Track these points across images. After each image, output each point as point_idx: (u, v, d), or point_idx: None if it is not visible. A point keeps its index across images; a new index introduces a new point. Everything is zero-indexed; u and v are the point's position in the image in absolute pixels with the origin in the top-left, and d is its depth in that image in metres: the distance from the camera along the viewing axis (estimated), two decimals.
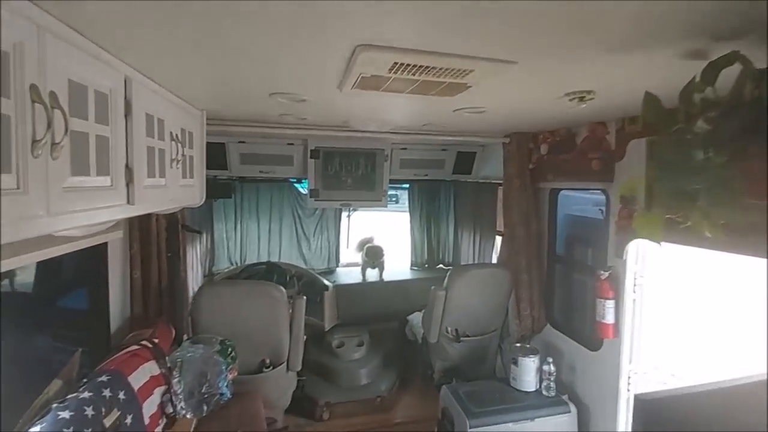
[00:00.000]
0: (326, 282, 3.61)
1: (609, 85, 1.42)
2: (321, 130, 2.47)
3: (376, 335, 3.60)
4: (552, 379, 2.31)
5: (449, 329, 2.76)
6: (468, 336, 2.78)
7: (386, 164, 3.49)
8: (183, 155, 1.65)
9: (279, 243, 4.01)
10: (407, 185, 4.37)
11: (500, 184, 3.26)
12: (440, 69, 1.15)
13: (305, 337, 2.82)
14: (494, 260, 3.45)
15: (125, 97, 1.14)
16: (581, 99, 1.52)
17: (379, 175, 3.53)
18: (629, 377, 2.13)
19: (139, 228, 2.13)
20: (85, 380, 1.41)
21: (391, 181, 3.76)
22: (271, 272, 3.39)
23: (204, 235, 3.50)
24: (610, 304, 2.09)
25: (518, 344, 2.52)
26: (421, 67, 1.14)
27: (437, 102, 1.65)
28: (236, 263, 3.90)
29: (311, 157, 3.31)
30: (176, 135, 1.55)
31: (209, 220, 3.67)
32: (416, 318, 3.46)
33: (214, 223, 3.75)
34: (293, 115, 2.09)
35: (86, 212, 0.96)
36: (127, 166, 1.15)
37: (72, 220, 0.90)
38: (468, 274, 2.68)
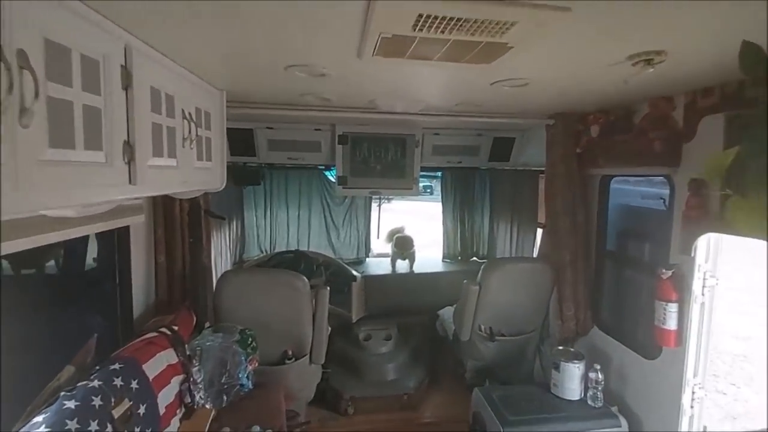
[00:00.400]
0: (354, 272, 3.51)
1: (685, 43, 1.16)
2: (347, 112, 2.32)
3: (404, 329, 3.46)
4: (600, 388, 2.07)
5: (483, 327, 2.56)
6: (503, 335, 2.58)
7: (417, 150, 3.31)
8: (198, 136, 1.56)
9: (308, 231, 3.95)
10: (439, 173, 4.15)
11: (542, 172, 3.00)
12: (475, 22, 0.96)
13: (330, 328, 2.73)
14: (534, 255, 3.19)
15: (125, 67, 1.05)
16: (648, 62, 1.26)
17: (409, 161, 3.35)
18: (693, 392, 1.84)
19: (164, 213, 2.10)
20: (97, 367, 1.38)
21: (423, 169, 3.57)
22: (298, 261, 3.33)
23: (234, 222, 3.49)
24: (672, 307, 1.80)
25: (560, 347, 2.29)
26: (451, 20, 0.95)
27: (472, 72, 1.45)
28: (266, 251, 3.89)
29: (339, 143, 3.18)
30: (189, 114, 1.46)
31: (239, 207, 3.66)
32: (447, 313, 3.28)
33: (244, 211, 3.74)
34: (314, 94, 1.96)
35: (73, 190, 0.87)
36: (127, 142, 1.06)
37: (53, 197, 0.81)
38: (505, 269, 2.46)
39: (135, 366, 1.47)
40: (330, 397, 2.78)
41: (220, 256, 3.00)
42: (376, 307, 3.50)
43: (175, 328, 1.79)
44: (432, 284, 3.67)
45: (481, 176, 4.07)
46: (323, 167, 3.68)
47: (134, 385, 1.42)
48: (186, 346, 1.80)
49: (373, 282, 3.59)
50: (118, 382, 1.35)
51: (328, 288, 2.30)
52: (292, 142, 3.19)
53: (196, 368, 1.80)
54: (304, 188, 3.87)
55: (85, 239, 1.80)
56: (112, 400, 1.29)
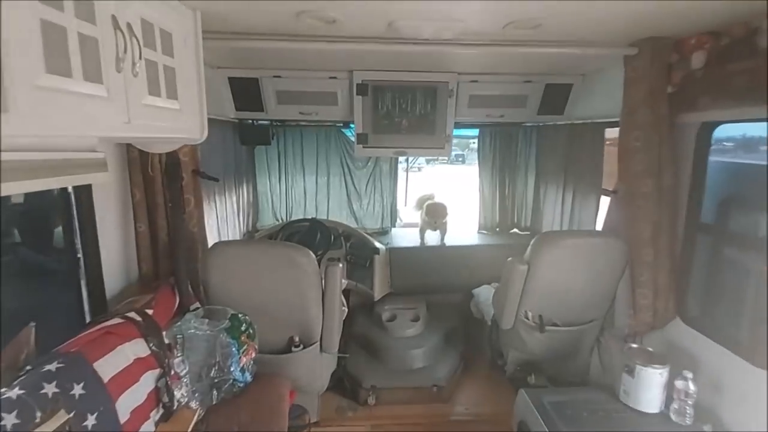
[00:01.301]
0: (377, 244, 3.10)
1: None
2: (361, 43, 1.82)
3: (434, 310, 3.06)
4: (690, 402, 1.58)
5: (530, 315, 2.10)
6: (556, 325, 2.10)
7: (451, 102, 2.76)
8: (151, 62, 1.15)
9: (327, 198, 3.55)
10: (476, 132, 3.57)
11: (610, 125, 2.40)
12: None
13: (346, 309, 2.36)
14: (597, 228, 2.63)
15: None
16: None
17: (441, 116, 2.82)
18: None
19: (142, 171, 1.74)
20: (29, 368, 1.06)
21: (458, 125, 3.03)
22: (314, 231, 2.96)
23: (244, 187, 3.15)
24: None
25: (634, 345, 1.79)
26: None
27: None
28: (281, 219, 3.55)
29: (358, 94, 2.70)
30: (129, 25, 1.04)
31: (250, 170, 3.29)
32: (484, 293, 2.84)
33: (256, 174, 3.38)
34: (314, 13, 1.47)
35: None
36: None
37: None
38: (562, 244, 1.95)
39: (81, 365, 1.14)
40: (349, 384, 2.46)
41: (226, 223, 2.67)
42: (403, 283, 3.10)
43: (149, 311, 1.47)
44: (466, 259, 3.20)
45: (525, 133, 3.47)
46: (341, 124, 3.21)
47: (78, 390, 1.09)
48: (164, 333, 1.48)
49: (400, 255, 3.18)
50: (49, 389, 1.02)
51: (340, 264, 1.90)
52: (304, 93, 2.73)
53: (179, 359, 1.48)
54: (321, 149, 3.44)
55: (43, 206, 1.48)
56: (37, 415, 0.97)
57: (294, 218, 3.53)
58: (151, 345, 1.39)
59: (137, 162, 1.72)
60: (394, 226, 3.83)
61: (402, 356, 2.56)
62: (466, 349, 2.82)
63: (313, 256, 1.78)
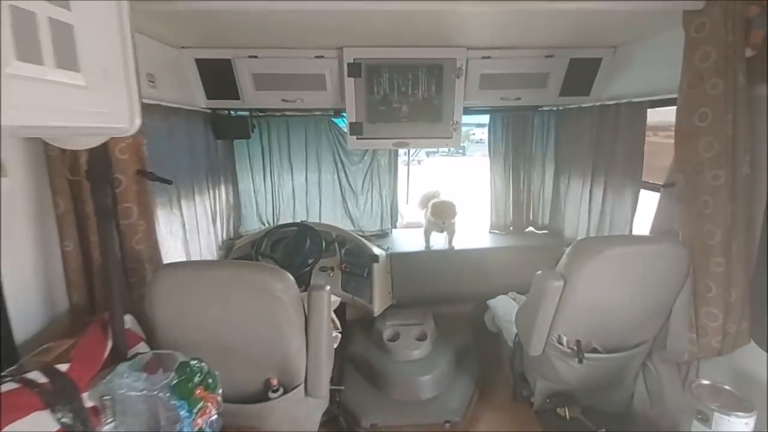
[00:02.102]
0: (376, 250, 2.71)
1: None
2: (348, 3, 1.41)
3: (443, 324, 2.67)
4: None
5: (565, 339, 1.71)
6: (597, 352, 1.71)
7: (459, 83, 2.35)
8: (15, 7, 0.74)
9: (319, 198, 3.15)
10: (481, 120, 3.16)
11: (655, 104, 1.99)
12: None
13: (339, 334, 1.98)
14: (632, 227, 2.23)
15: None
16: None
17: (448, 99, 2.41)
18: None
19: (69, 176, 1.34)
20: None
21: (467, 111, 2.62)
22: (302, 237, 2.56)
23: (223, 187, 2.75)
24: None
25: (705, 382, 1.40)
26: None
27: None
28: (268, 223, 3.15)
29: (349, 75, 2.29)
30: None
31: (230, 168, 2.89)
32: (502, 305, 2.45)
33: (237, 172, 2.98)
34: None
35: None
36: None
37: None
38: (609, 255, 1.54)
39: None
40: (345, 423, 2.08)
41: (197, 233, 2.28)
42: (406, 294, 2.72)
43: (63, 366, 1.08)
44: (478, 264, 2.81)
45: (542, 119, 3.06)
46: (332, 113, 2.80)
47: None
48: (86, 394, 1.09)
49: (402, 262, 2.79)
50: None
51: (327, 287, 1.49)
52: (286, 77, 2.32)
53: (108, 427, 1.10)
54: (311, 142, 3.03)
55: None
56: None
57: (282, 221, 3.14)
58: (61, 417, 1.00)
59: (59, 163, 1.32)
60: (395, 227, 3.44)
61: (407, 385, 2.17)
62: (481, 371, 2.44)
63: (291, 279, 1.38)
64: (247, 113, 2.66)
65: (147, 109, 1.86)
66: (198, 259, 2.29)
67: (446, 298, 2.81)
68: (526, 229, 3.28)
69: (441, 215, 2.77)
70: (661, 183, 1.82)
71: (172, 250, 1.98)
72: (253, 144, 2.98)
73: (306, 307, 1.46)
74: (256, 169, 3.04)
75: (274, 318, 1.34)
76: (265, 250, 2.64)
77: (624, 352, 1.73)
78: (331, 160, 3.08)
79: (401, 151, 3.27)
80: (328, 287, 1.49)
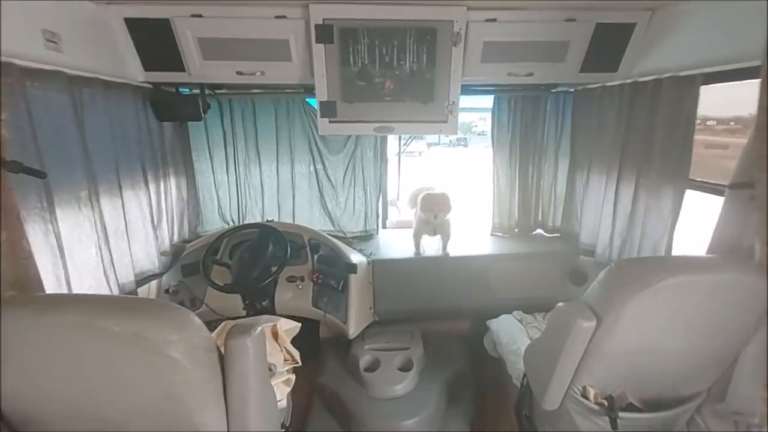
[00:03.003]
0: (355, 257, 2.26)
1: None
2: None
3: (433, 347, 2.24)
4: None
5: (592, 393, 1.26)
6: (635, 408, 1.27)
7: (456, 53, 1.89)
8: None
9: (292, 193, 2.69)
10: (488, 102, 2.68)
11: (712, 78, 1.53)
12: None
13: (291, 377, 1.55)
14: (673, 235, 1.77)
15: None
16: None
17: (442, 74, 1.95)
18: None
19: None
20: None
21: (466, 89, 2.14)
22: (263, 241, 2.12)
23: (174, 180, 2.29)
24: None
25: None
26: None
27: None
28: (233, 222, 2.71)
29: (318, 41, 1.82)
30: None
31: (183, 157, 2.42)
32: (505, 327, 2.01)
33: (193, 162, 2.52)
34: None
35: None
36: None
37: None
38: (663, 286, 1.08)
39: None
40: None
41: (125, 238, 1.83)
42: (390, 309, 2.29)
43: None
44: (477, 274, 2.37)
45: (555, 102, 2.58)
46: (303, 90, 2.32)
47: None
48: None
49: (387, 270, 2.36)
50: None
51: (259, 329, 1.04)
52: (240, 43, 1.85)
53: None
54: (282, 127, 2.56)
55: None
56: None
57: (250, 221, 2.70)
58: None
59: None
60: (385, 227, 3.00)
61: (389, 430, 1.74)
62: (479, 413, 2.00)
63: (194, 322, 0.93)
64: (197, 90, 2.19)
65: (39, 77, 1.41)
66: (130, 270, 1.85)
67: (438, 314, 2.37)
68: (534, 232, 2.82)
69: (432, 208, 2.31)
70: (724, 183, 1.36)
71: (80, 263, 1.53)
72: (213, 128, 2.52)
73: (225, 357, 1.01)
74: (217, 158, 2.58)
75: (167, 384, 0.89)
76: (222, 257, 2.20)
77: (671, 409, 1.28)
78: (306, 149, 2.61)
79: (391, 138, 2.80)
80: (258, 329, 1.04)
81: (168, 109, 2.10)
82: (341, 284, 2.15)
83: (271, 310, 2.17)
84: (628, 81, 1.96)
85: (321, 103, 1.95)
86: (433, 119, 2.02)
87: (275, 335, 1.54)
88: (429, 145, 17.56)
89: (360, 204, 2.73)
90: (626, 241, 2.03)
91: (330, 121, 1.99)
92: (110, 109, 1.74)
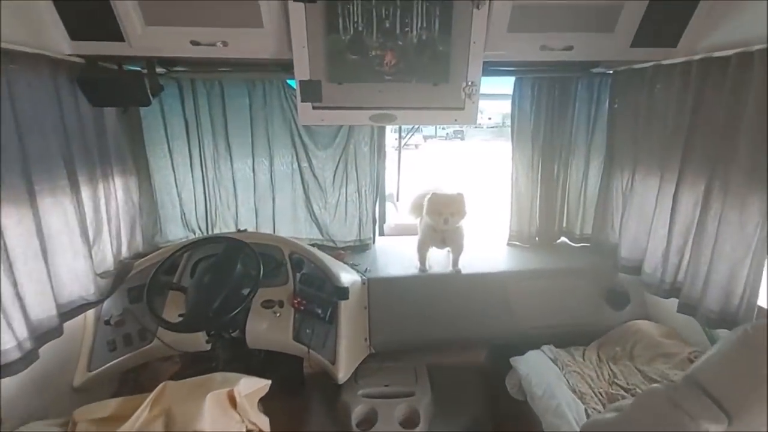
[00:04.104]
0: (345, 278, 1.82)
1: None
2: None
3: (443, 389, 1.83)
4: None
5: None
6: None
7: (478, 18, 1.45)
8: None
9: (271, 197, 2.25)
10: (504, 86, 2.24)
11: None
12: None
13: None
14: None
15: None
16: None
17: (459, 45, 1.51)
18: None
19: None
20: None
21: (489, 66, 1.69)
22: (230, 258, 1.67)
23: (115, 181, 1.83)
24: None
25: None
26: None
27: None
28: (199, 231, 2.26)
29: None
30: None
31: (133, 151, 1.96)
32: (534, 367, 1.60)
33: (148, 159, 2.05)
34: None
35: None
36: None
37: None
38: None
39: None
40: None
41: (41, 258, 1.37)
42: (390, 340, 1.87)
43: None
44: (494, 295, 1.96)
45: (590, 87, 2.15)
46: (279, 67, 1.85)
47: None
48: None
49: (386, 291, 1.94)
50: None
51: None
52: (195, 5, 1.40)
53: None
54: (258, 116, 2.11)
55: None
56: None
57: (222, 228, 2.26)
58: None
59: None
60: (383, 234, 2.57)
61: None
62: None
63: None
64: (144, 66, 1.72)
65: None
66: (50, 301, 1.41)
67: (448, 344, 1.97)
68: (558, 240, 2.40)
69: (442, 210, 1.87)
70: None
71: None
72: (173, 117, 2.06)
73: None
74: (179, 154, 2.12)
75: None
76: (181, 278, 1.77)
77: None
78: (288, 142, 2.16)
79: (389, 129, 2.36)
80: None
81: (104, 90, 1.63)
82: (329, 313, 1.71)
83: (241, 344, 1.74)
84: (697, 57, 1.53)
85: (301, 83, 1.50)
86: (447, 105, 1.58)
87: (233, 402, 1.11)
88: (426, 137, 17.03)
89: (353, 208, 2.29)
90: (688, 261, 1.62)
91: (314, 107, 1.54)
92: (18, 91, 1.28)
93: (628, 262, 1.94)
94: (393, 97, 1.55)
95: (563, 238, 2.42)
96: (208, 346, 1.75)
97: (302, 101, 1.52)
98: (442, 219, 1.87)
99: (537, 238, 2.37)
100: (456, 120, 1.60)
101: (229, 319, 1.56)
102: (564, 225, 2.40)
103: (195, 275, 1.67)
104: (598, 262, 2.10)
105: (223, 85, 2.03)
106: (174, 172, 2.13)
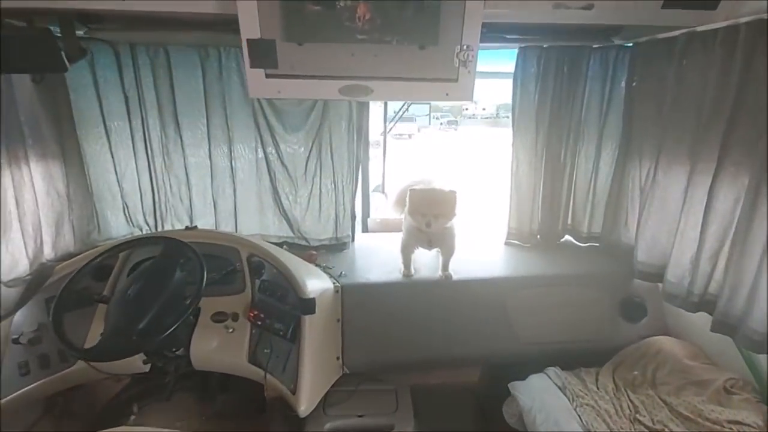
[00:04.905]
0: (312, 286, 1.50)
1: None
2: None
3: (428, 415, 1.55)
4: None
5: None
6: None
7: None
8: None
9: (232, 188, 1.92)
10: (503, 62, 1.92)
11: None
12: None
13: None
14: None
15: None
16: None
17: (451, 4, 1.18)
18: None
19: None
20: None
21: (488, 32, 1.35)
22: (169, 262, 1.35)
23: (36, 167, 1.50)
24: None
25: None
26: None
27: None
28: (147, 227, 1.93)
29: None
30: None
31: (64, 130, 1.62)
32: (539, 398, 1.32)
33: (80, 141, 1.71)
34: None
35: None
36: None
37: None
38: None
39: None
40: None
41: None
42: (367, 359, 1.58)
43: None
44: (489, 304, 1.68)
45: (604, 62, 1.84)
46: (230, 27, 1.50)
47: None
48: None
49: (363, 300, 1.64)
50: None
51: None
52: None
53: None
54: (213, 90, 1.77)
55: None
56: None
57: (175, 224, 1.94)
58: None
59: None
60: (367, 231, 2.27)
61: None
62: None
63: None
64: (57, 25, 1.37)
65: None
66: None
67: (435, 362, 1.68)
68: (562, 239, 2.12)
69: (424, 210, 1.56)
70: None
71: None
72: (110, 91, 1.71)
73: None
74: (119, 135, 1.78)
75: None
76: (116, 286, 1.45)
77: None
78: (250, 123, 1.83)
79: (374, 105, 2.03)
80: None
81: (7, 52, 1.28)
82: (291, 329, 1.41)
83: (185, 364, 1.44)
84: (745, 19, 1.23)
85: (250, 43, 1.18)
86: (436, 75, 1.26)
87: None
88: (420, 128, 16.62)
89: (329, 201, 1.98)
90: (724, 270, 1.35)
91: (267, 75, 1.21)
92: None
93: (645, 267, 1.67)
94: (368, 63, 1.23)
95: (568, 237, 2.14)
96: (147, 368, 1.45)
97: (252, 67, 1.20)
98: (424, 220, 1.57)
99: (538, 237, 2.08)
100: (448, 94, 1.28)
101: (163, 340, 1.25)
102: (569, 222, 2.11)
103: (118, 286, 1.35)
104: (609, 267, 1.82)
105: (170, 52, 1.68)
106: (113, 157, 1.79)
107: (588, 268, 1.83)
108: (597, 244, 2.03)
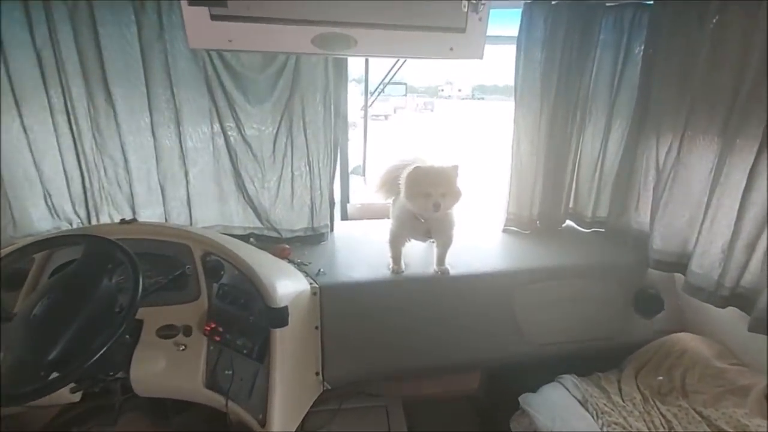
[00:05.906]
0: (284, 290, 1.23)
1: None
2: None
3: (422, 430, 1.34)
4: None
5: None
6: None
7: None
8: None
9: (184, 172, 1.60)
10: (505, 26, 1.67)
11: None
12: None
13: None
14: None
15: None
16: None
17: None
18: None
19: None
20: None
21: None
22: (94, 262, 1.05)
23: None
24: None
25: None
26: None
27: None
28: (77, 220, 1.58)
29: None
30: None
31: None
32: (559, 415, 1.11)
33: None
34: None
35: None
36: None
37: None
38: None
39: None
40: None
41: None
42: (351, 370, 1.34)
43: None
44: (491, 302, 1.47)
45: (614, 26, 1.62)
46: None
47: None
48: None
49: (346, 302, 1.39)
50: None
51: None
52: None
53: None
54: (150, 51, 1.42)
55: None
56: None
57: (113, 215, 1.60)
58: None
59: None
60: (346, 218, 2.02)
61: None
62: None
63: None
64: None
65: None
66: None
67: (431, 370, 1.46)
68: (563, 224, 1.93)
69: (430, 190, 1.29)
70: None
71: None
72: (19, 54, 1.33)
73: None
74: (32, 107, 1.40)
75: None
76: (32, 299, 1.13)
77: None
78: (203, 92, 1.50)
79: (352, 79, 1.74)
80: None
81: None
82: (258, 347, 1.14)
83: (124, 389, 1.16)
84: None
85: None
86: (438, 23, 0.98)
87: None
88: (396, 108, 16.26)
89: (302, 186, 1.69)
90: (762, 259, 1.17)
91: (213, 17, 0.90)
92: None
93: (662, 255, 1.49)
94: (352, 4, 0.94)
95: (569, 222, 1.95)
96: (77, 397, 1.15)
97: (190, 4, 0.88)
98: (431, 202, 1.31)
99: (538, 223, 1.88)
100: (452, 49, 1.01)
101: (90, 368, 0.96)
102: (571, 206, 1.92)
103: (23, 304, 1.04)
104: (620, 256, 1.64)
105: (93, 4, 1.32)
106: (26, 134, 1.42)
107: (597, 257, 1.64)
108: (602, 230, 1.85)
